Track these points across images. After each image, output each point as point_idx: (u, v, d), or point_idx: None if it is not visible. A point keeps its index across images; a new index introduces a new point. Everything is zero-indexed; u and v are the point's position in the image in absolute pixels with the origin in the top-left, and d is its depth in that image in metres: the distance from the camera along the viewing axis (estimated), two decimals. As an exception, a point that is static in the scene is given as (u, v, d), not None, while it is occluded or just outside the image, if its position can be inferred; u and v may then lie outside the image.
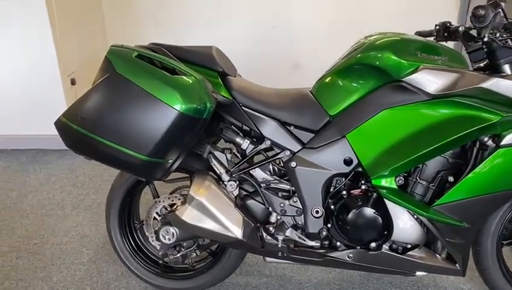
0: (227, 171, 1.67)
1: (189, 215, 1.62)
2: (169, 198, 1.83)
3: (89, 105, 1.46)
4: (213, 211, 1.61)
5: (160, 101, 1.39)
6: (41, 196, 2.82)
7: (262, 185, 1.70)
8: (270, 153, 1.71)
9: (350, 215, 1.58)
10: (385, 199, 1.54)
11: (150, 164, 1.46)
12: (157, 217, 1.85)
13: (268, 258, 1.78)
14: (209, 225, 1.62)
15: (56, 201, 2.75)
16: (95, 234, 2.42)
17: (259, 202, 1.70)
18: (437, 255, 1.63)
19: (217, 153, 1.69)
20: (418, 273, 1.67)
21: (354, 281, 2.01)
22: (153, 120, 1.40)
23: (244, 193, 1.72)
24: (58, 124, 1.52)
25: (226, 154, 1.70)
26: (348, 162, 1.58)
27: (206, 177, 1.65)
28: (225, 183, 1.66)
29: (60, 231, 2.46)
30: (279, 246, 1.67)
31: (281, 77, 3.53)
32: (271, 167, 1.73)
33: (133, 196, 1.93)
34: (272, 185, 1.71)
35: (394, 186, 1.55)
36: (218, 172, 1.67)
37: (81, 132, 1.46)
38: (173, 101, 1.39)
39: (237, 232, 1.62)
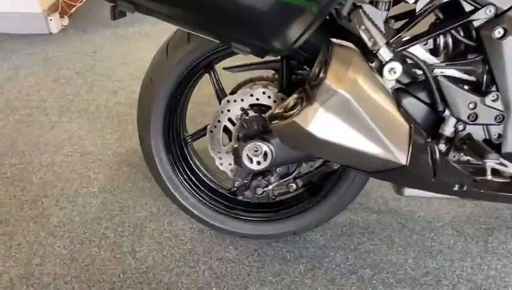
0: (387, 43, 0.91)
1: (322, 124, 0.87)
2: (251, 95, 1.08)
3: None
4: (366, 117, 0.88)
5: None
6: (10, 95, 1.98)
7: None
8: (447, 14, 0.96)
9: None
10: None
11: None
12: (230, 126, 1.12)
13: (407, 191, 1.12)
14: (357, 142, 0.90)
15: (34, 103, 1.93)
16: (101, 150, 1.66)
17: (424, 102, 0.98)
18: None
19: (368, 8, 0.92)
20: None
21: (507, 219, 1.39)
22: None
23: (398, 85, 0.99)
24: None
25: (381, 11, 0.92)
26: None
27: (352, 53, 0.89)
28: (383, 65, 0.92)
29: (48, 145, 1.68)
30: (459, 175, 0.99)
31: None
32: (447, 38, 0.99)
33: (183, 92, 1.17)
34: (447, 73, 0.98)
35: None
36: (369, 44, 0.91)
37: None
38: None
39: (401, 154, 0.92)
